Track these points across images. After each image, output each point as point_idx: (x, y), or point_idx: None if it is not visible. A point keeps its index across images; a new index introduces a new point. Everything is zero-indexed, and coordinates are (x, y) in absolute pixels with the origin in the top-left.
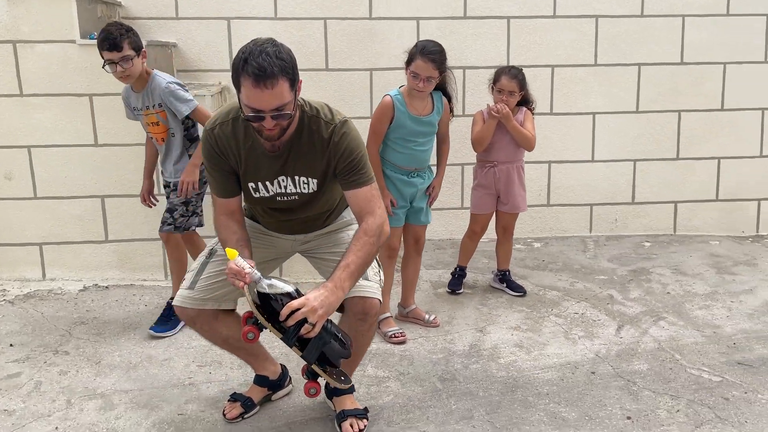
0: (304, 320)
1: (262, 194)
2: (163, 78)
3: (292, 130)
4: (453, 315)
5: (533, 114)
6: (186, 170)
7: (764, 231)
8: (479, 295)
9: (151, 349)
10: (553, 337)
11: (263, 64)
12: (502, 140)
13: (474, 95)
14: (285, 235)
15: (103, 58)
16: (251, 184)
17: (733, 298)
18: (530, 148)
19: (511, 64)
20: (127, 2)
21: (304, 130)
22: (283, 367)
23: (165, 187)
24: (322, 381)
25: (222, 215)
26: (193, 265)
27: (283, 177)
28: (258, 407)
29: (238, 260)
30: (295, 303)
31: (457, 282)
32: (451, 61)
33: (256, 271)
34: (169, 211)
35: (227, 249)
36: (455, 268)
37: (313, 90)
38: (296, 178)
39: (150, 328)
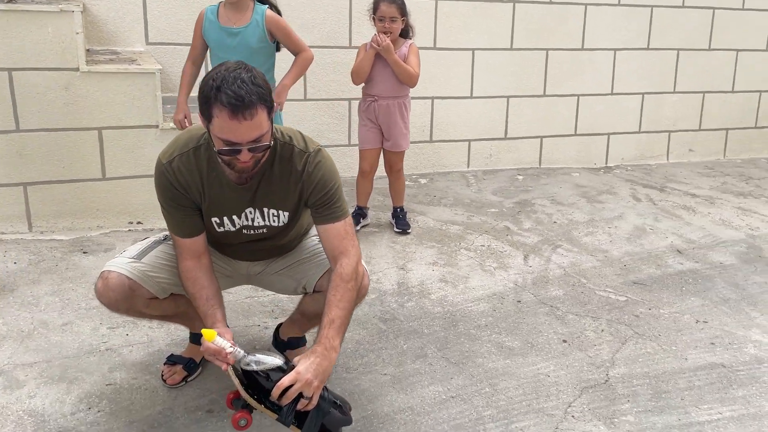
0: (300, 395)
1: (226, 229)
2: None
3: (264, 159)
4: (370, 254)
5: (416, 46)
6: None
7: (612, 163)
8: (387, 233)
9: (41, 313)
10: (471, 270)
11: (240, 92)
12: (384, 74)
13: (361, 26)
14: (243, 262)
15: None
16: (215, 219)
17: (608, 225)
18: (412, 84)
19: None
20: None
21: (276, 159)
22: None
23: None
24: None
25: (187, 260)
26: (140, 243)
27: (251, 209)
28: (201, 368)
29: (217, 340)
30: (286, 380)
31: (354, 220)
32: None
33: (238, 349)
34: None
35: (203, 330)
36: (355, 207)
37: None
38: (265, 210)
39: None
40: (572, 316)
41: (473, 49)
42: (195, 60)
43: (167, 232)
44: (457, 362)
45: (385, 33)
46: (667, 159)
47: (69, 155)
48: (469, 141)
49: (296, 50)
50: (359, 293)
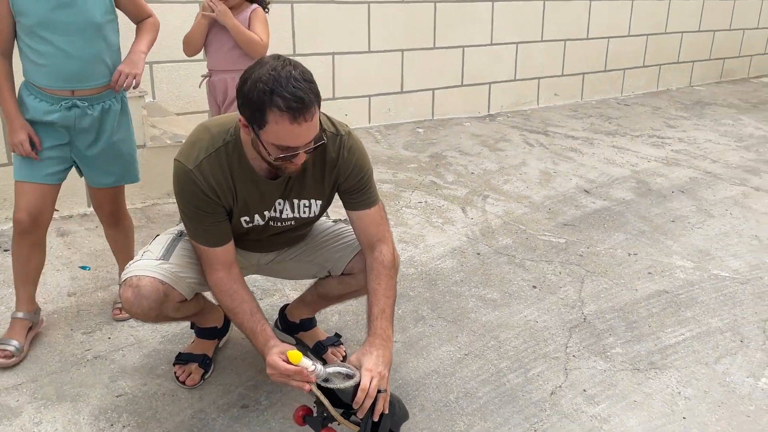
0: (374, 402)
1: (255, 224)
2: None
3: None
4: None
5: (267, 12)
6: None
7: (494, 110)
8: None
9: None
10: (422, 228)
11: (298, 94)
12: (223, 44)
13: None
14: (255, 253)
15: None
16: (245, 218)
17: (518, 171)
18: (256, 53)
19: None
20: None
21: None
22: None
23: None
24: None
25: (219, 271)
26: (155, 241)
27: (280, 200)
28: (213, 363)
29: (303, 362)
30: (365, 382)
31: None
32: None
33: (319, 366)
34: None
35: (289, 353)
36: None
37: None
38: (296, 201)
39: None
40: (529, 262)
41: (369, 2)
42: (4, 51)
43: (180, 228)
44: (453, 320)
45: None
46: (538, 104)
47: None
48: (370, 96)
49: (144, 15)
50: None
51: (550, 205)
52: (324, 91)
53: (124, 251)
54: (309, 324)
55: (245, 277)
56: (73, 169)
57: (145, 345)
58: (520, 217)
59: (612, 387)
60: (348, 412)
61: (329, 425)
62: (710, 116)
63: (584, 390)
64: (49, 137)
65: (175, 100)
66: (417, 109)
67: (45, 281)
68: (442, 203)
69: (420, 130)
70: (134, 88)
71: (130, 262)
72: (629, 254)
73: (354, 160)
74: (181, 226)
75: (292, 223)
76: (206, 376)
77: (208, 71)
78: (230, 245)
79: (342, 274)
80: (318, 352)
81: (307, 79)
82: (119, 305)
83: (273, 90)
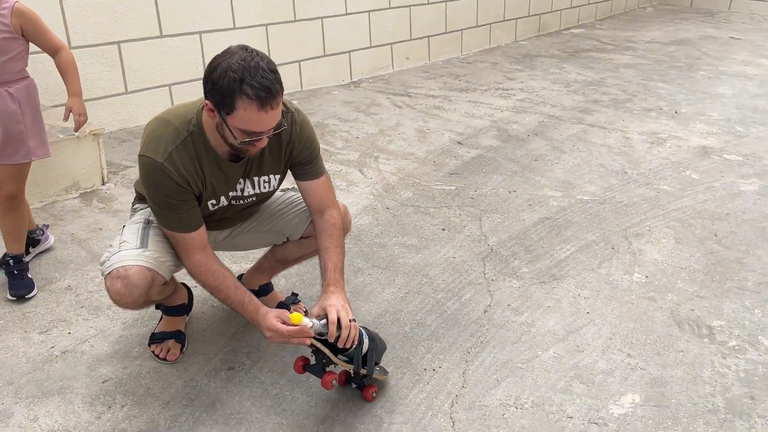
0: (361, 341)
1: (221, 205)
2: None
3: None
4: None
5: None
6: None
7: (356, 77)
8: None
9: None
10: (352, 194)
11: (266, 83)
12: None
13: None
14: (212, 231)
15: None
16: (212, 201)
17: (396, 132)
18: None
19: None
20: None
21: None
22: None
23: None
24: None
25: (195, 254)
26: (126, 232)
27: (242, 180)
28: (186, 337)
29: (304, 321)
30: (333, 316)
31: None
32: None
33: (314, 321)
34: None
35: (292, 315)
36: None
37: None
38: (256, 179)
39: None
40: (432, 209)
41: None
42: None
43: (143, 217)
44: (386, 267)
45: None
46: (393, 68)
47: None
48: (170, 86)
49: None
50: (345, 229)
51: (434, 159)
52: (195, 70)
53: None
54: (267, 288)
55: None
56: None
57: (109, 334)
58: (412, 171)
59: (528, 299)
60: (337, 355)
61: (327, 369)
62: (539, 67)
63: (508, 305)
64: None
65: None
66: (286, 82)
67: None
68: (340, 168)
69: (294, 101)
70: None
71: (108, 255)
72: (509, 192)
73: (306, 134)
74: (142, 217)
75: (254, 198)
76: (184, 350)
77: None
78: (203, 228)
79: (301, 237)
80: None
81: (273, 69)
82: None
83: (243, 79)
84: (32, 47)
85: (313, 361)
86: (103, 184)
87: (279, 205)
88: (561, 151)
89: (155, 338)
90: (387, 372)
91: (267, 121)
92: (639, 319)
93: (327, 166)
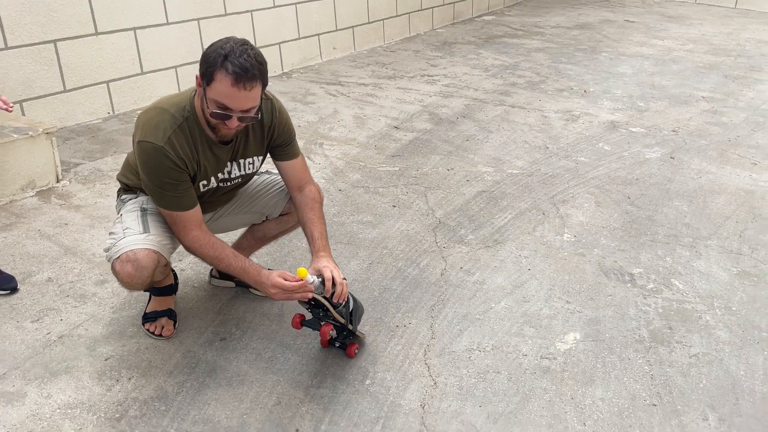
0: (348, 300)
1: (210, 187)
2: None
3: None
4: None
5: None
6: None
7: (286, 68)
8: None
9: None
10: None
11: (245, 64)
12: None
13: None
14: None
15: None
16: (203, 182)
17: (335, 119)
18: None
19: None
20: None
21: None
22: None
23: None
24: None
25: (192, 230)
26: (126, 220)
27: (229, 163)
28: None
29: (308, 277)
30: (328, 274)
31: None
32: None
33: (314, 278)
34: None
35: (299, 270)
36: None
37: None
38: (242, 161)
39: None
40: (381, 189)
41: None
42: None
43: (139, 205)
44: (348, 242)
45: None
46: (321, 58)
47: None
48: (176, 67)
49: None
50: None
51: (375, 143)
52: (132, 67)
53: None
54: None
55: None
56: None
57: (100, 318)
58: (356, 155)
59: (477, 261)
60: (328, 312)
61: (323, 322)
62: (458, 53)
63: (461, 267)
64: None
65: None
66: None
67: None
68: None
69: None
70: None
71: (113, 241)
72: (448, 169)
73: (284, 118)
74: (136, 205)
75: (239, 180)
76: (176, 326)
77: None
78: (198, 206)
79: (279, 215)
80: None
81: (260, 61)
82: None
83: (227, 56)
84: None
85: (308, 316)
86: (57, 182)
87: (257, 188)
88: (488, 131)
89: (148, 317)
90: (364, 334)
91: (239, 98)
92: (572, 272)
93: None
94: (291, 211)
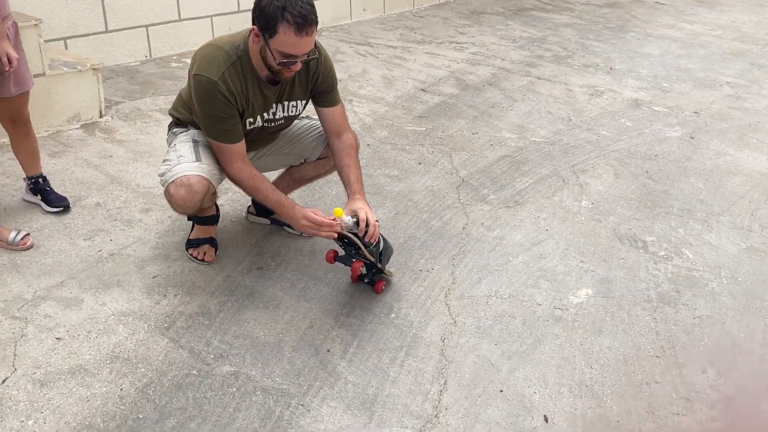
0: (379, 241)
1: (255, 126)
2: None
3: None
4: None
5: None
6: None
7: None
8: None
9: None
10: None
11: (303, 12)
12: None
13: None
14: None
15: None
16: (250, 119)
17: (364, 78)
18: None
19: None
20: None
21: None
22: None
23: None
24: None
25: (236, 162)
26: (180, 149)
27: (274, 105)
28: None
29: (344, 218)
30: (364, 217)
31: None
32: None
33: (349, 218)
34: None
35: (335, 210)
36: None
37: None
38: (286, 103)
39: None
40: (408, 146)
41: None
42: None
43: (191, 137)
44: (376, 192)
45: None
46: (351, 19)
47: None
48: (211, 17)
49: None
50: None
51: (402, 103)
52: (170, 13)
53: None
54: None
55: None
56: None
57: (146, 241)
58: (384, 114)
59: (498, 219)
60: (359, 251)
61: (355, 259)
62: (487, 23)
63: (482, 223)
64: None
65: None
66: (189, 39)
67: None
68: None
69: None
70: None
71: (168, 167)
72: (473, 133)
73: (329, 66)
74: (188, 137)
75: (282, 122)
76: (216, 254)
77: None
78: (243, 141)
79: (318, 158)
80: None
81: (311, 3)
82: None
83: (285, 7)
84: None
85: (341, 253)
86: (101, 117)
87: (298, 131)
88: (513, 99)
89: (192, 244)
90: (391, 272)
91: (302, 45)
92: (588, 235)
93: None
94: (328, 156)
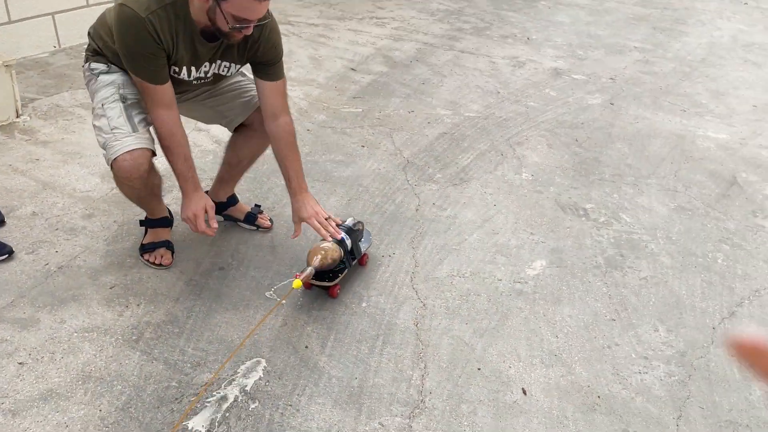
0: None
1: (182, 77)
2: None
3: None
4: None
5: None
6: None
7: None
8: None
9: None
10: None
11: None
12: None
13: None
14: None
15: None
16: (175, 68)
17: (291, 59)
18: None
19: None
20: None
21: None
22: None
23: None
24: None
25: (159, 108)
26: (111, 114)
27: (207, 62)
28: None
29: (302, 279)
30: (316, 225)
31: None
32: None
33: (309, 269)
34: None
35: (294, 282)
36: None
37: None
38: (218, 62)
39: None
40: (348, 129)
41: None
42: None
43: (113, 92)
44: (324, 180)
45: None
46: None
47: None
48: (53, 14)
49: None
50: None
51: (335, 84)
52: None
53: None
54: (234, 200)
55: None
56: None
57: (95, 250)
58: (319, 96)
59: (447, 198)
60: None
61: (334, 282)
62: None
63: (433, 203)
64: None
65: None
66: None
67: None
68: None
69: None
70: None
71: (103, 140)
72: (409, 112)
73: (274, 38)
74: (112, 89)
75: (211, 78)
76: (174, 257)
77: None
78: (170, 85)
79: (241, 125)
80: (251, 220)
81: None
82: None
83: None
84: None
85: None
86: (17, 117)
87: (231, 88)
88: (442, 75)
89: (146, 248)
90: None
91: (259, 10)
92: (533, 207)
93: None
94: (255, 127)
